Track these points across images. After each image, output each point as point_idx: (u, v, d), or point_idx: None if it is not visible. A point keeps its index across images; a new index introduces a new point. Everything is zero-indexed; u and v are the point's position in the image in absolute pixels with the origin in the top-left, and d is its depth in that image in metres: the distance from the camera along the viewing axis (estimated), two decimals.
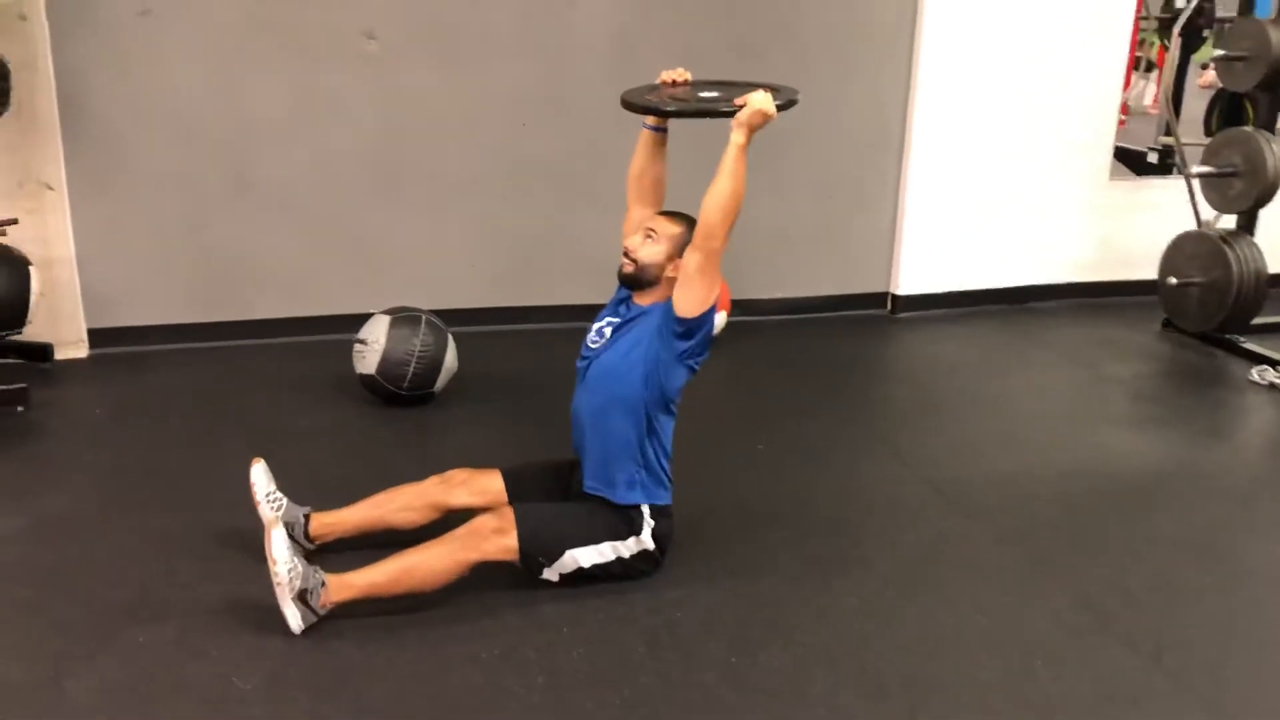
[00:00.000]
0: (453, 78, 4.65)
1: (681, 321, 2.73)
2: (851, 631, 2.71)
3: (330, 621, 2.60)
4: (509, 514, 2.74)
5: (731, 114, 2.67)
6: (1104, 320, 5.37)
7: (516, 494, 2.92)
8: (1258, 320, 4.88)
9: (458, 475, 2.98)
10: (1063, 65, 5.23)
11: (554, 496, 2.94)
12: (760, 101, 2.64)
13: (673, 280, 2.77)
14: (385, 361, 3.89)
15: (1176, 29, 5.37)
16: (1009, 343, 5.09)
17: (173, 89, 4.39)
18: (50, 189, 4.27)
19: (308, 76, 4.51)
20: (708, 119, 2.80)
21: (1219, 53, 4.90)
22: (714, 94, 2.87)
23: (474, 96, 4.69)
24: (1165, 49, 6.14)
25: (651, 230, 2.82)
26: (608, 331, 2.90)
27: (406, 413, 3.97)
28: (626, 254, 2.85)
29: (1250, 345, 4.82)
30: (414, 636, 2.60)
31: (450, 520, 2.82)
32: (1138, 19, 5.65)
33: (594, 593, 2.78)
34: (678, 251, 2.78)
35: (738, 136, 2.66)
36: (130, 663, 2.49)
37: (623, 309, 2.91)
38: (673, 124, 2.93)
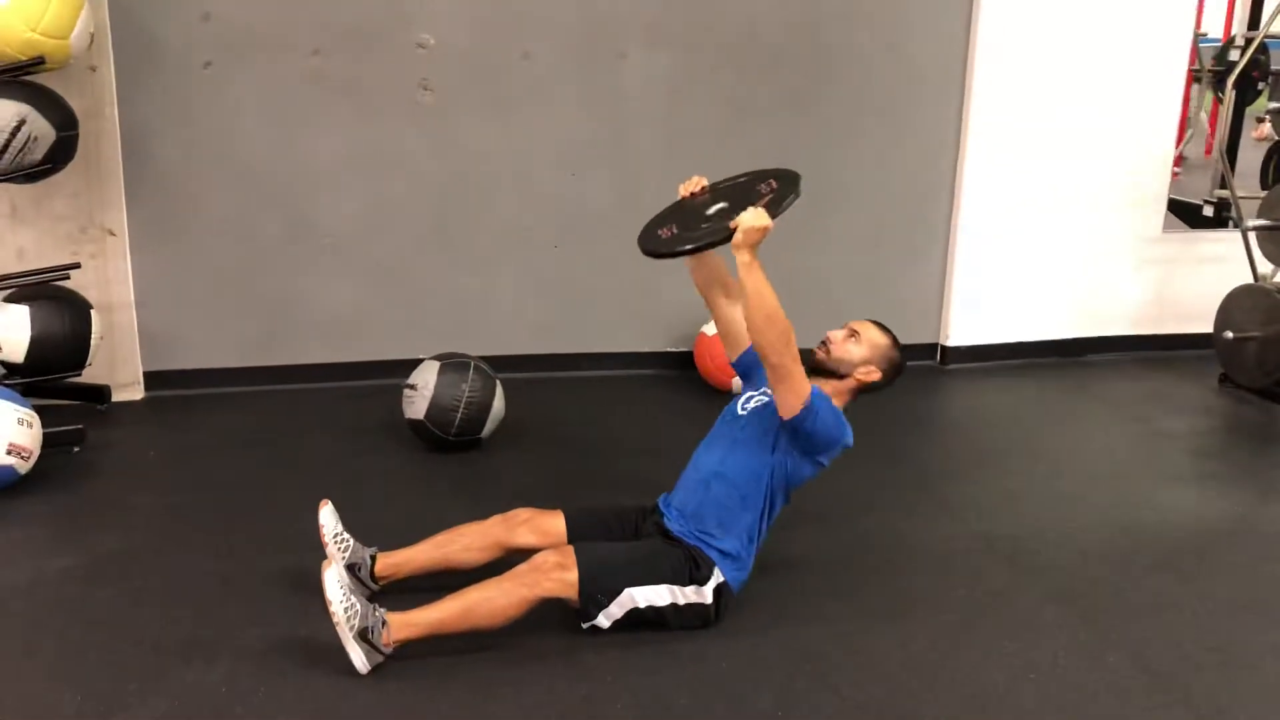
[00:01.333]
0: (505, 128, 4.72)
1: (784, 421, 2.77)
2: (899, 687, 2.66)
3: (379, 663, 2.60)
4: (569, 550, 2.74)
5: (729, 239, 2.66)
6: (1159, 374, 5.29)
7: (579, 536, 2.91)
8: None
9: (521, 514, 2.97)
10: (1115, 116, 5.20)
11: (618, 541, 2.93)
12: (749, 220, 2.61)
13: (855, 381, 2.92)
14: (434, 407, 3.91)
15: (1230, 81, 5.35)
16: (1062, 396, 5.03)
17: (232, 138, 4.50)
18: (112, 234, 4.38)
19: (363, 127, 4.60)
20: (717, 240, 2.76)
21: (1274, 106, 4.86)
22: (724, 205, 2.84)
23: (526, 146, 4.76)
24: (1219, 101, 6.10)
25: (856, 331, 2.93)
26: (756, 402, 2.93)
27: (454, 458, 3.98)
28: (825, 343, 2.95)
29: None
30: (462, 682, 2.60)
31: (512, 560, 2.81)
32: (1190, 71, 5.62)
33: (639, 641, 2.76)
34: (876, 361, 2.91)
35: (741, 257, 2.64)
36: (180, 702, 2.51)
37: None
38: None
